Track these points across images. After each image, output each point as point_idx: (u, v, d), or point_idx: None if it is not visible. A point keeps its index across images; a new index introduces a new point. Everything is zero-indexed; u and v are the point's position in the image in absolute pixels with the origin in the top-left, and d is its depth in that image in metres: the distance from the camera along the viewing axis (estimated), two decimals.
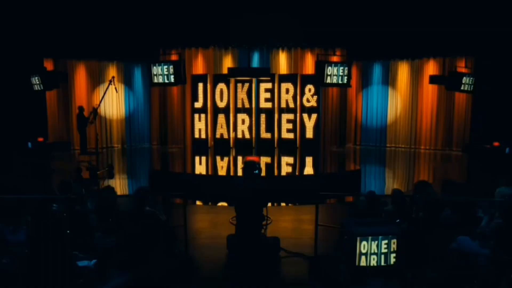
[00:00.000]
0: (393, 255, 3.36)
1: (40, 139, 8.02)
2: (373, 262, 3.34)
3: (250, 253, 5.00)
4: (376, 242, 3.32)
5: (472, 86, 12.89)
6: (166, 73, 9.50)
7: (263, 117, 16.02)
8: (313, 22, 14.83)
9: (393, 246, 3.37)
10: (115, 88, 11.47)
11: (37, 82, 11.67)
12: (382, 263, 3.36)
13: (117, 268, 3.84)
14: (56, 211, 3.83)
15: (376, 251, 3.33)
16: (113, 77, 11.20)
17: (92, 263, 3.72)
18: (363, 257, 3.31)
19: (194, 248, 5.54)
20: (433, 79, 14.37)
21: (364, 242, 3.30)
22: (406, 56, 16.25)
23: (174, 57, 12.38)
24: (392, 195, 4.63)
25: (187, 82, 11.88)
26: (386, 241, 3.33)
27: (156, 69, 9.65)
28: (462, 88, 12.88)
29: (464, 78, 12.76)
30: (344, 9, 14.73)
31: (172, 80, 9.63)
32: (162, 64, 9.51)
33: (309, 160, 12.75)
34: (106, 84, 11.30)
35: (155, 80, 10.00)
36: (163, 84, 10.21)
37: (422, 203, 4.07)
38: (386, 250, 3.35)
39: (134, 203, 4.30)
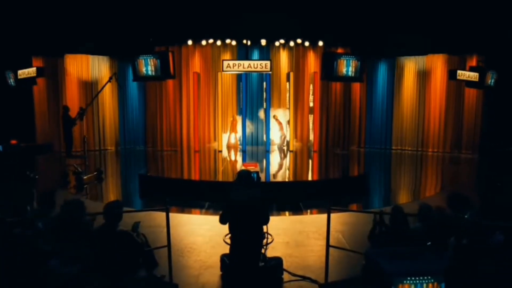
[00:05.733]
0: None
1: (14, 141, 7.24)
2: None
3: (248, 277, 4.22)
4: (419, 285, 2.52)
5: (494, 81, 12.00)
6: (152, 65, 8.61)
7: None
8: (316, 18, 14.12)
9: None
10: (119, 85, 10.68)
11: (10, 77, 10.88)
12: None
13: None
14: None
15: None
16: (114, 73, 10.35)
17: None
18: None
19: (180, 270, 4.75)
20: (452, 75, 13.48)
21: (403, 285, 2.50)
22: (413, 53, 15.54)
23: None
24: (419, 211, 3.81)
25: (176, 77, 10.92)
26: (431, 283, 2.53)
27: (140, 62, 8.74)
28: (485, 84, 11.96)
29: (487, 73, 11.87)
30: (347, 5, 14.02)
31: (159, 73, 8.68)
32: (147, 56, 8.58)
33: (310, 164, 11.98)
34: (102, 82, 10.51)
35: (140, 73, 9.05)
36: (148, 77, 9.31)
37: (468, 225, 3.23)
38: None
39: (105, 222, 3.52)
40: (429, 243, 3.28)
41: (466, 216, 3.43)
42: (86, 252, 3.30)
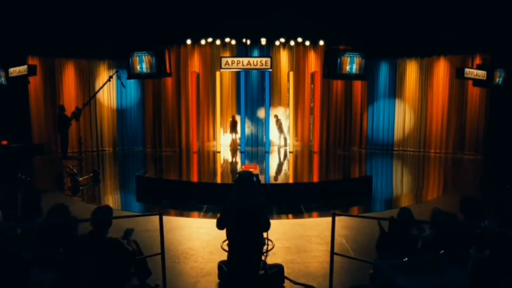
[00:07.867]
0: None
1: (4, 142, 7.03)
2: None
3: (247, 285, 4.00)
4: None
5: (502, 80, 11.75)
6: (147, 62, 8.35)
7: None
8: (316, 18, 13.92)
9: None
10: (122, 84, 10.40)
11: (1, 76, 10.65)
12: None
13: None
14: None
15: None
16: (116, 71, 10.06)
17: None
18: None
19: (176, 277, 4.52)
20: (460, 73, 13.27)
21: None
22: (415, 54, 15.35)
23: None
24: (432, 217, 3.55)
25: (172, 75, 10.64)
26: None
27: (135, 59, 8.48)
28: (493, 82, 11.73)
29: (495, 71, 11.63)
30: (348, 4, 13.82)
31: (155, 71, 8.41)
32: (141, 53, 8.31)
33: (311, 166, 11.75)
34: (100, 82, 10.20)
35: (134, 71, 8.76)
36: (143, 75, 9.03)
37: (490, 235, 2.95)
38: None
39: (92, 228, 3.29)
40: (442, 251, 3.05)
41: (486, 223, 3.19)
42: (69, 259, 3.07)
